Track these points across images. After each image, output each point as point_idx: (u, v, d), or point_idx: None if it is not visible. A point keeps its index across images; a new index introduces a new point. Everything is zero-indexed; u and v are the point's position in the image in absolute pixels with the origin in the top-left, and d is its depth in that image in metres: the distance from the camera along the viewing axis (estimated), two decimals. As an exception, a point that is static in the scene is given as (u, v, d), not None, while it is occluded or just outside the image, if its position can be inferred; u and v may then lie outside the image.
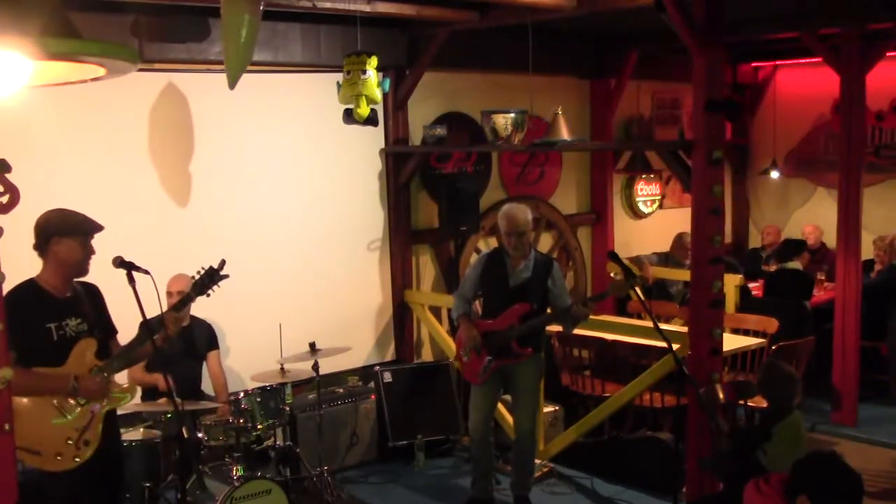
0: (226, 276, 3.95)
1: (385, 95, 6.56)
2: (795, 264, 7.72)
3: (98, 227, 3.74)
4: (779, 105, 9.46)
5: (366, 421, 6.26)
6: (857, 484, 3.12)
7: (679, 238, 7.83)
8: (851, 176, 6.65)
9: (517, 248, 5.07)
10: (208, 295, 3.96)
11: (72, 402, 3.63)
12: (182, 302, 3.93)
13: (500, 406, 5.89)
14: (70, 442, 3.59)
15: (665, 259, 8.31)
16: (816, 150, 9.30)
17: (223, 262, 3.96)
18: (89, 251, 3.72)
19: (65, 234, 3.66)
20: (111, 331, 3.97)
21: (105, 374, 3.71)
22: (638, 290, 4.81)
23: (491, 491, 5.44)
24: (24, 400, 3.54)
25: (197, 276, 3.96)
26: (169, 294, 5.31)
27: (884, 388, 7.22)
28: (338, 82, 5.42)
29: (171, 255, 5.48)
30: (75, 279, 3.77)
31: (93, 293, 3.89)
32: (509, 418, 5.85)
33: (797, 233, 8.83)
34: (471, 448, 5.43)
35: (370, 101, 5.36)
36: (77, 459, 3.60)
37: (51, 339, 3.64)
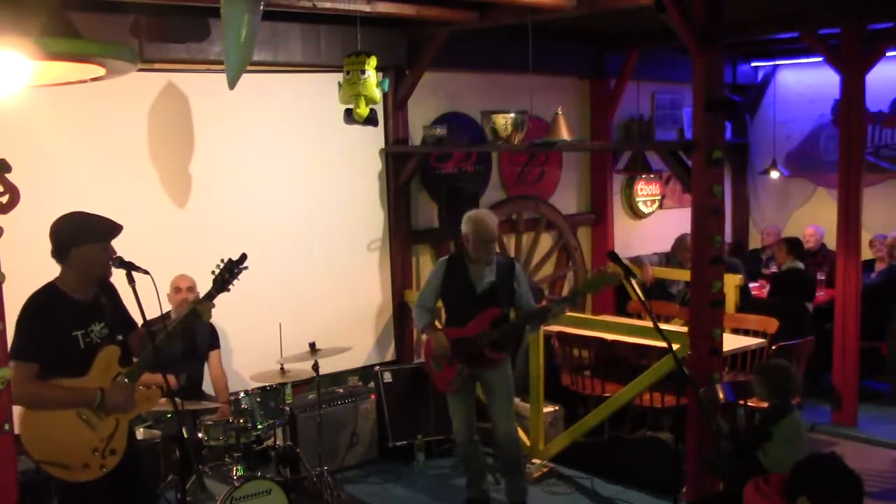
0: (245, 268, 3.85)
1: (385, 95, 6.56)
2: (797, 264, 7.73)
3: (117, 230, 3.62)
4: (779, 105, 9.47)
5: (366, 421, 6.26)
6: (857, 485, 3.13)
7: (681, 240, 7.83)
8: (851, 176, 6.65)
9: (487, 253, 4.99)
10: (228, 290, 3.84)
11: (97, 412, 3.56)
12: (208, 297, 3.80)
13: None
14: (96, 453, 3.54)
15: (667, 260, 8.32)
16: (816, 150, 9.31)
17: (244, 256, 3.86)
18: (110, 254, 3.61)
19: (84, 242, 3.55)
20: (130, 326, 3.85)
21: (129, 382, 3.62)
22: (637, 289, 4.81)
23: (488, 490, 5.43)
24: (48, 415, 3.48)
25: (217, 271, 3.84)
26: (178, 289, 5.32)
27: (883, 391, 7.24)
28: (339, 82, 5.42)
29: (170, 256, 5.49)
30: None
31: (109, 290, 3.77)
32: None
33: (797, 233, 8.83)
34: (458, 452, 5.38)
35: (369, 101, 5.36)
36: (104, 469, 3.56)
37: (78, 348, 3.54)
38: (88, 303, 3.64)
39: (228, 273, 3.83)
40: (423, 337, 7.18)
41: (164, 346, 3.68)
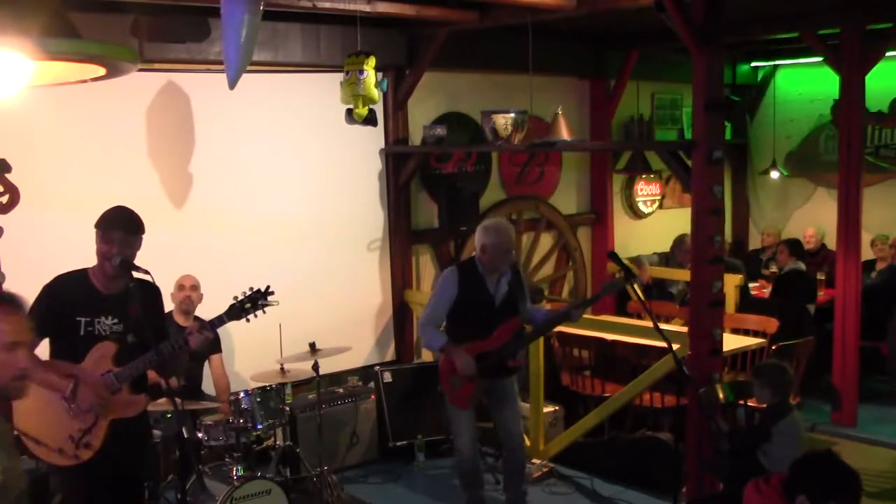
0: (273, 304, 3.69)
1: (385, 95, 6.58)
2: (799, 265, 7.73)
3: (118, 224, 3.58)
4: (779, 105, 9.47)
5: (366, 421, 6.25)
6: (855, 481, 3.13)
7: (681, 241, 7.83)
8: (851, 176, 6.65)
9: (506, 263, 4.86)
10: (248, 320, 3.70)
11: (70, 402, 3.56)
12: (212, 324, 3.70)
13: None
14: (72, 440, 3.55)
15: (667, 260, 8.32)
16: (816, 150, 9.31)
17: (269, 290, 3.71)
18: (110, 249, 3.55)
19: (97, 227, 3.60)
20: (157, 337, 3.68)
21: (115, 381, 3.57)
22: (637, 289, 4.80)
23: (485, 496, 5.38)
24: (36, 389, 3.47)
25: (241, 297, 3.69)
26: (182, 287, 5.32)
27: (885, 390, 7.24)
28: (341, 82, 5.43)
29: (170, 256, 5.48)
30: (133, 276, 3.57)
31: (148, 295, 3.70)
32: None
33: (798, 233, 8.83)
34: (461, 467, 5.10)
35: (367, 100, 5.36)
36: (75, 459, 3.55)
37: (77, 334, 3.56)
38: (109, 296, 3.64)
39: (250, 303, 3.68)
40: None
41: (171, 362, 3.66)
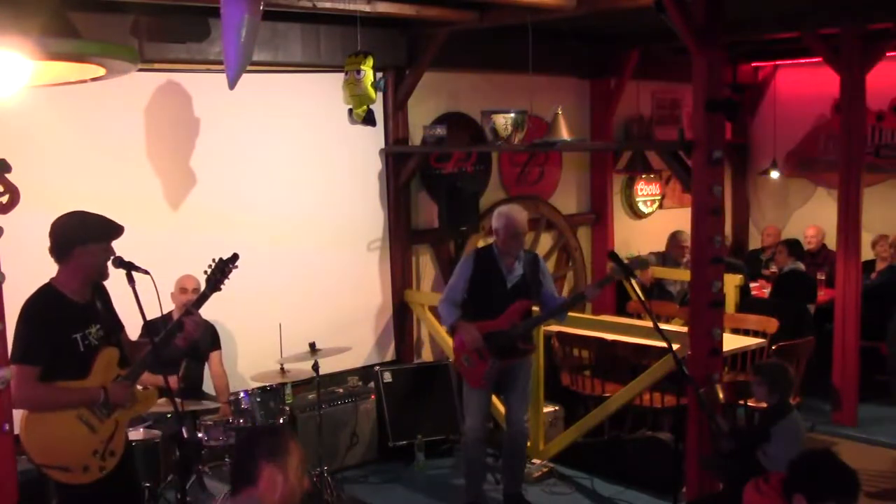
0: (235, 267, 3.87)
1: (385, 95, 6.58)
2: (798, 265, 7.74)
3: (120, 230, 3.61)
4: (779, 105, 9.46)
5: (366, 421, 6.26)
6: (853, 479, 3.13)
7: (673, 237, 7.84)
8: (851, 176, 6.65)
9: (517, 247, 5.13)
10: (220, 289, 3.84)
11: (98, 414, 3.55)
12: (198, 302, 3.80)
13: (497, 402, 5.87)
14: (97, 454, 3.53)
15: (663, 259, 8.32)
16: (816, 150, 9.31)
17: (235, 255, 3.87)
18: (110, 254, 3.59)
19: (90, 241, 3.53)
20: (120, 327, 3.83)
21: (130, 382, 3.62)
22: (637, 289, 4.82)
23: (485, 494, 5.41)
24: (50, 418, 3.47)
25: (208, 271, 3.85)
26: (184, 290, 5.33)
27: (884, 387, 7.23)
28: (343, 83, 5.44)
29: (170, 256, 5.49)
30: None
31: (102, 292, 3.76)
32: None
33: (797, 233, 8.83)
34: (466, 450, 5.34)
35: (365, 100, 5.37)
36: (103, 470, 3.55)
37: (77, 351, 3.52)
38: (85, 304, 3.62)
39: (220, 273, 3.84)
40: (418, 333, 7.22)
41: (162, 348, 3.67)
